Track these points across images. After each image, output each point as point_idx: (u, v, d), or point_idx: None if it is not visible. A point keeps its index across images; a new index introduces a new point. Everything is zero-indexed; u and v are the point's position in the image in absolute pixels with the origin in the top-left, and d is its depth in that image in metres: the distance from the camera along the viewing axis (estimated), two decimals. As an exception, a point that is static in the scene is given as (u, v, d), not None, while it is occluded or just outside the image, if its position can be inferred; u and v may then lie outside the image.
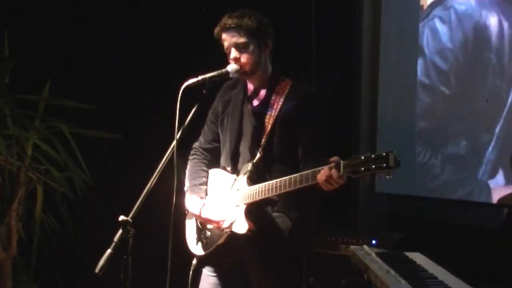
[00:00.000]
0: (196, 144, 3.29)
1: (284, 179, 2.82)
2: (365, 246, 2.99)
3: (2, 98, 3.92)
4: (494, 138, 3.94)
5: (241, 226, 2.93)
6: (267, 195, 2.88)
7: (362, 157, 2.58)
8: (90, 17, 4.74)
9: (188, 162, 3.26)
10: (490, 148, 3.96)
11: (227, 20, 2.97)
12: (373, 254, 2.84)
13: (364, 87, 4.57)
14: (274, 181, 2.85)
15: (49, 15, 4.66)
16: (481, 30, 3.97)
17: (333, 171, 2.65)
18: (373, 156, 2.56)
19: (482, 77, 3.95)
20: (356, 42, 4.57)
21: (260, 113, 3.02)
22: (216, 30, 3.01)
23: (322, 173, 2.68)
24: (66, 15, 4.72)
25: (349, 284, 3.60)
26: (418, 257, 2.82)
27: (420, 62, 4.28)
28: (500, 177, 3.95)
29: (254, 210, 2.96)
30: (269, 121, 2.98)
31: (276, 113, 2.98)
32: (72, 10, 4.73)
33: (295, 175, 2.79)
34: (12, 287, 4.08)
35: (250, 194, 2.93)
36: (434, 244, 3.54)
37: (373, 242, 3.92)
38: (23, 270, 4.30)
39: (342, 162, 2.64)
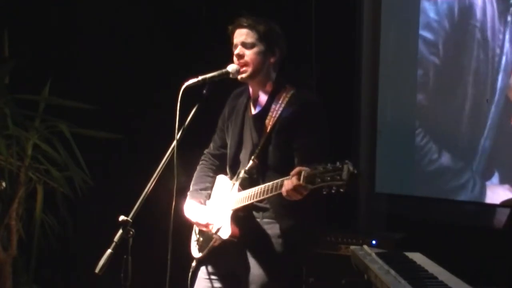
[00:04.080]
0: (206, 150, 3.32)
1: (258, 188, 2.84)
2: (365, 246, 3.00)
3: (2, 98, 3.92)
4: (486, 130, 4.00)
5: (225, 231, 2.95)
6: (247, 202, 2.90)
7: (321, 168, 2.58)
8: (90, 17, 4.73)
9: (197, 167, 3.29)
10: (482, 141, 4.01)
11: (243, 19, 3.00)
12: (373, 254, 2.84)
13: (364, 87, 4.57)
14: (252, 189, 2.87)
15: (49, 15, 4.66)
16: (464, 2, 4.09)
17: (295, 181, 2.65)
18: (331, 167, 2.55)
19: (469, 51, 4.05)
20: (356, 42, 4.56)
21: (259, 121, 3.02)
22: (230, 27, 3.04)
23: (286, 183, 2.69)
24: (66, 15, 4.72)
25: (349, 284, 3.61)
26: (418, 257, 2.82)
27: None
28: (495, 177, 3.98)
29: (240, 217, 2.97)
30: (267, 128, 2.98)
31: (274, 121, 2.97)
32: (72, 10, 4.73)
33: (267, 183, 2.80)
34: (12, 287, 4.08)
35: (237, 200, 2.95)
36: (434, 244, 3.54)
37: (373, 242, 3.92)
38: (23, 270, 4.29)
39: (303, 172, 2.63)
